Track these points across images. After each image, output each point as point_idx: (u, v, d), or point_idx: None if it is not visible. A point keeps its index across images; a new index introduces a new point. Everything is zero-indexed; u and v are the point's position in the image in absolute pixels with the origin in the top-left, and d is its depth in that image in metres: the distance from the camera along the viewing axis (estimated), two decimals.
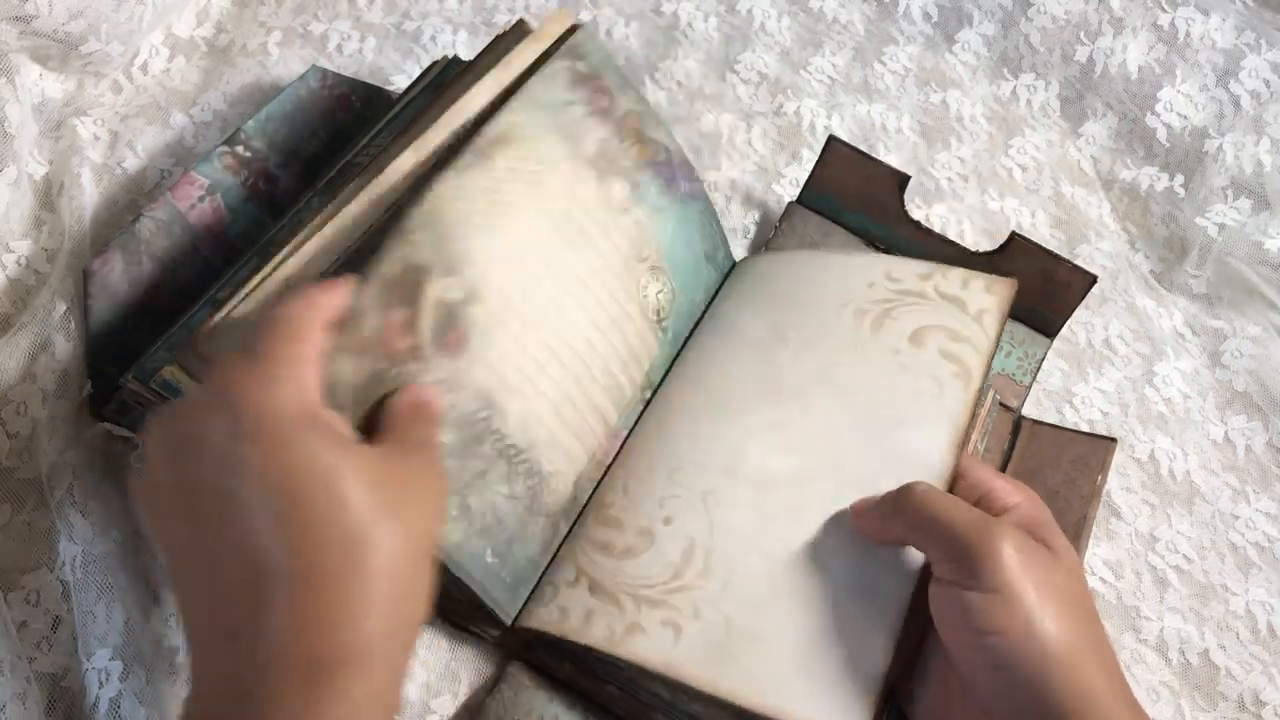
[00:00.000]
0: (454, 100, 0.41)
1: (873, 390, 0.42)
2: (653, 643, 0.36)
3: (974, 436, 0.45)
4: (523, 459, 0.39)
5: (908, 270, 0.46)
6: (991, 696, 0.32)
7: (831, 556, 0.37)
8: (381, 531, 0.27)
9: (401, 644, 0.28)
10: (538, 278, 0.40)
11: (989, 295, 0.45)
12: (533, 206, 0.40)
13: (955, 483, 0.38)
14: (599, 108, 0.44)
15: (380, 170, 0.38)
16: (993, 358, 0.43)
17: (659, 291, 0.45)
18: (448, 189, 0.37)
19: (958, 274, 0.46)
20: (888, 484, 0.37)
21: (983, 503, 0.37)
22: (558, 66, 0.43)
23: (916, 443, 0.40)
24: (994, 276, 0.46)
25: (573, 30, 0.45)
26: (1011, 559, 0.32)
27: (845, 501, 0.38)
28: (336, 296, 0.32)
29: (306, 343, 0.30)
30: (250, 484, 0.27)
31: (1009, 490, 0.37)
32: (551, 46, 0.44)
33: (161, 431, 0.29)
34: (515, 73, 0.43)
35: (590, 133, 0.43)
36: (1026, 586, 0.32)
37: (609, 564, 0.39)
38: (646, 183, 0.45)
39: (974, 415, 0.42)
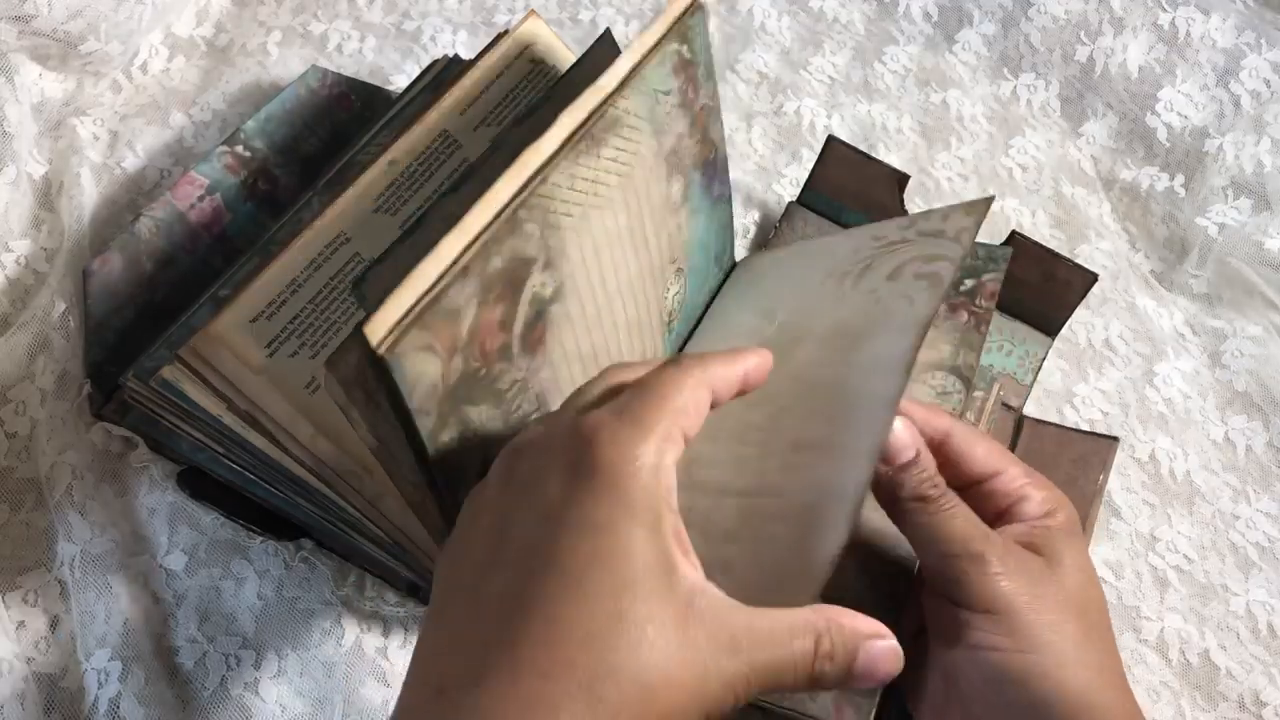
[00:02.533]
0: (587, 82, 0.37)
1: (847, 327, 0.40)
2: None
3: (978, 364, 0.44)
4: None
5: (891, 226, 0.44)
6: (985, 709, 0.32)
7: (794, 485, 0.35)
8: (645, 689, 0.23)
9: None
10: (604, 278, 0.38)
11: (966, 216, 0.42)
12: (621, 202, 0.38)
13: (986, 481, 0.36)
14: (686, 99, 0.42)
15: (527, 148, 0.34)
16: (964, 260, 0.41)
17: (676, 294, 0.45)
18: (563, 176, 0.34)
19: (939, 211, 0.43)
20: (851, 392, 0.35)
21: (1011, 510, 0.35)
22: (669, 50, 0.40)
23: (880, 348, 0.37)
24: (974, 199, 0.43)
25: (694, 8, 0.41)
26: (1002, 579, 0.31)
27: (813, 426, 0.36)
28: (741, 370, 0.29)
29: (683, 419, 0.27)
30: (569, 538, 0.24)
31: (1037, 498, 0.35)
32: (672, 25, 0.40)
33: (514, 453, 0.27)
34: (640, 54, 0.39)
35: (673, 126, 0.41)
36: (1019, 605, 0.31)
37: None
38: (695, 182, 0.44)
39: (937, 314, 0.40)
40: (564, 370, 0.37)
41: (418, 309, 0.29)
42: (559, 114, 0.35)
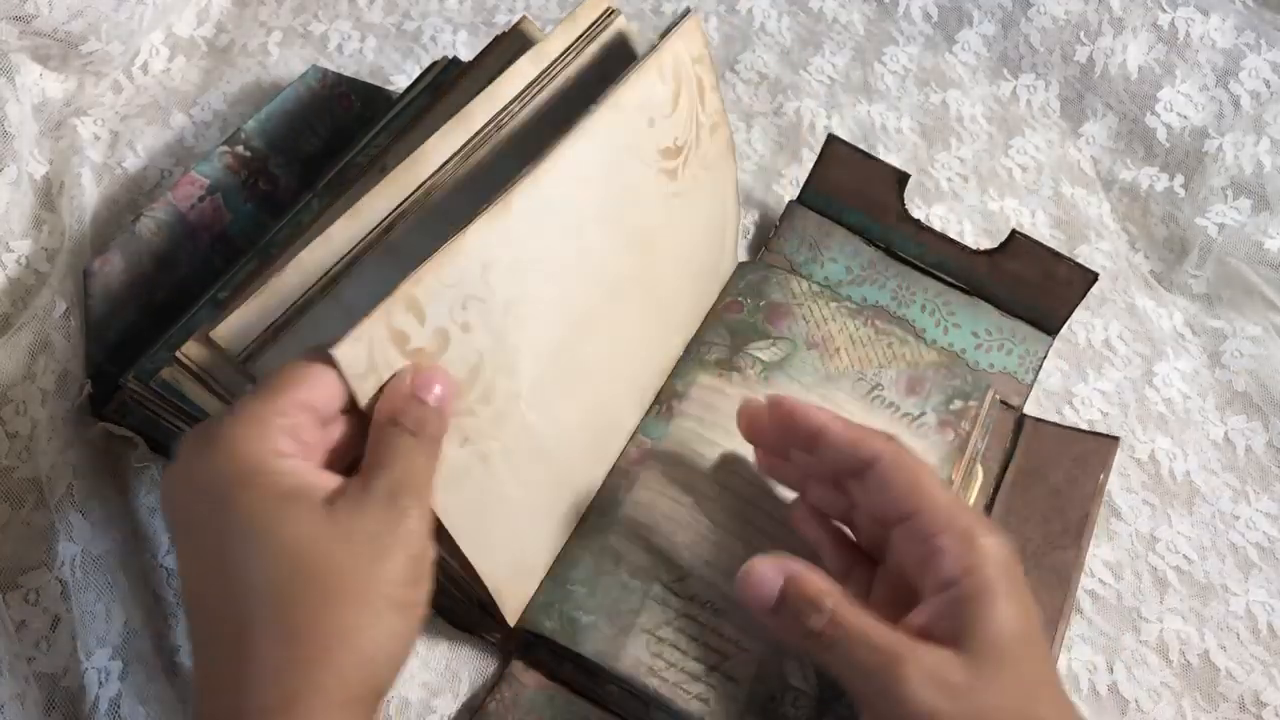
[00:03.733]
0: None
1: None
2: None
3: (974, 437, 0.45)
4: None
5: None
6: None
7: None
8: (302, 591, 0.27)
9: (334, 700, 0.27)
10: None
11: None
12: None
13: (905, 521, 0.33)
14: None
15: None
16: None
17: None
18: None
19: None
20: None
21: (925, 574, 0.33)
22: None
23: None
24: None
25: (607, 15, 0.41)
26: (924, 702, 0.30)
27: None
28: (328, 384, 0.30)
29: (286, 398, 0.29)
30: (194, 544, 0.29)
31: (950, 556, 0.32)
32: (583, 33, 0.41)
33: (165, 485, 0.30)
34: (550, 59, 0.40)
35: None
36: (944, 709, 0.30)
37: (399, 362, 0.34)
38: None
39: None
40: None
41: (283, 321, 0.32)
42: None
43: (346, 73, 0.54)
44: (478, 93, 0.38)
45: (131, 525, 0.42)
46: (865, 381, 0.46)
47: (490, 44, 0.46)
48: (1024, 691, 0.31)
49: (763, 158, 0.59)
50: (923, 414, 0.45)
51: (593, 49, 0.40)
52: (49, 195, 0.49)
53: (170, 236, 0.44)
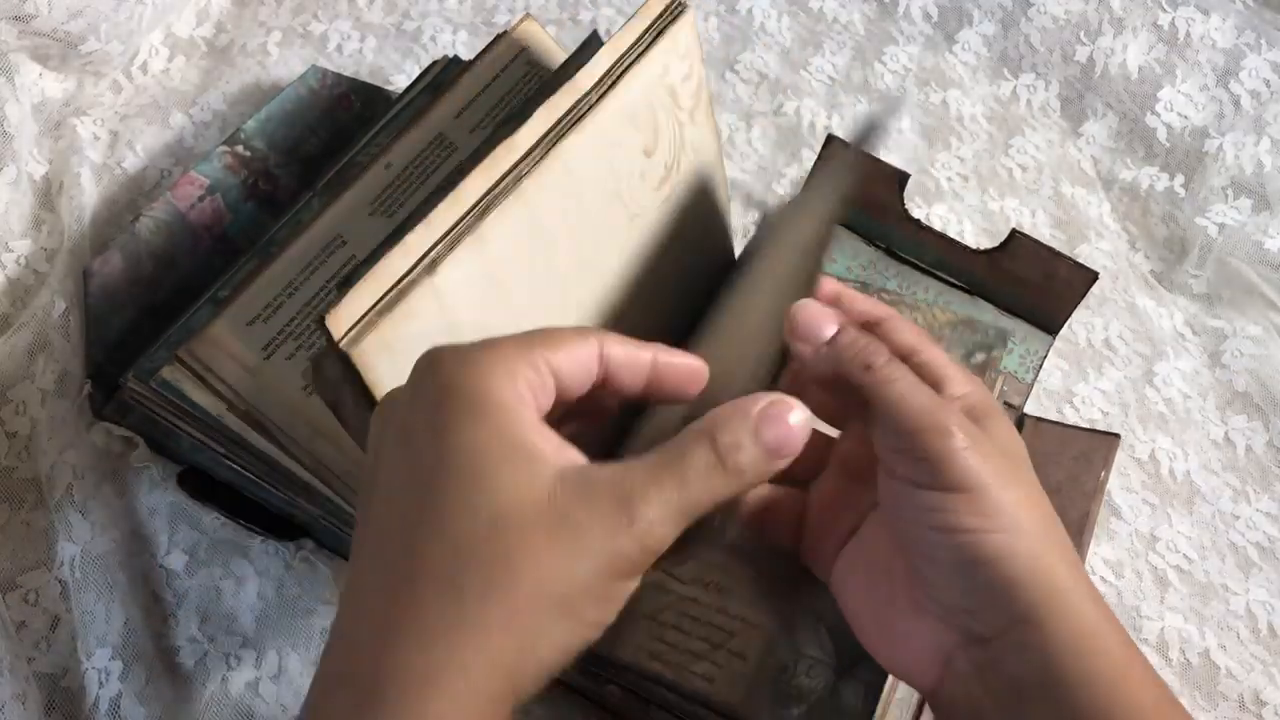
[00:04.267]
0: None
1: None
2: None
3: (999, 386, 0.45)
4: None
5: None
6: (949, 592, 0.30)
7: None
8: (490, 556, 0.24)
9: (506, 682, 0.24)
10: None
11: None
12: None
13: (911, 358, 0.33)
14: None
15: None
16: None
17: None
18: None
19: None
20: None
21: (937, 388, 0.32)
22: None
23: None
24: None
25: (676, 6, 0.40)
26: (972, 456, 0.29)
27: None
28: (648, 356, 0.28)
29: (550, 353, 0.26)
30: (409, 443, 0.25)
31: (959, 378, 0.32)
32: (651, 23, 0.40)
33: (381, 404, 0.28)
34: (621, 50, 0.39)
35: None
36: (988, 482, 0.29)
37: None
38: None
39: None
40: None
41: (383, 303, 0.30)
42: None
43: (346, 73, 0.54)
44: (480, 92, 0.38)
45: (131, 525, 0.42)
46: None
47: (491, 43, 0.46)
48: (1035, 486, 0.31)
49: (763, 158, 0.59)
50: None
51: (662, 42, 0.40)
52: (49, 195, 0.49)
53: (170, 236, 0.44)
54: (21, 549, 0.41)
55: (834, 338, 0.32)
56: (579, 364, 0.27)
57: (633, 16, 0.39)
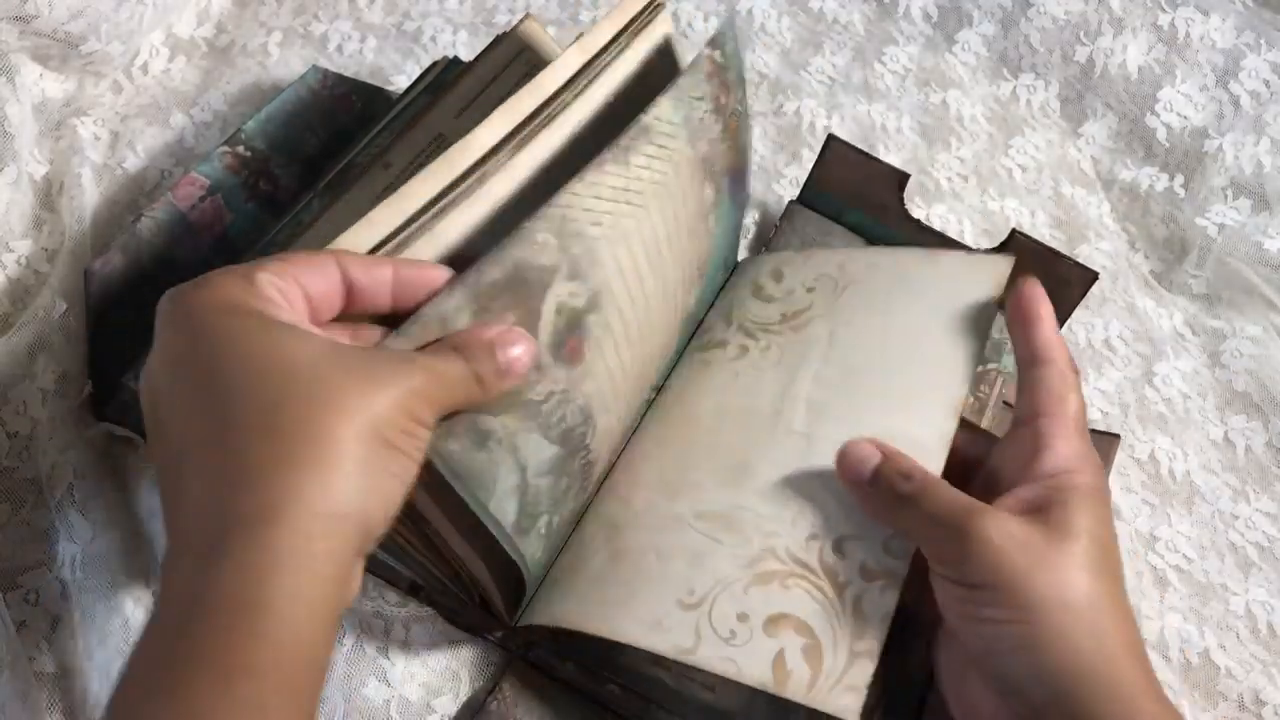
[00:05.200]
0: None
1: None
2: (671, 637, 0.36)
3: (994, 400, 0.45)
4: (591, 476, 0.38)
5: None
6: (991, 680, 0.32)
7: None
8: (292, 399, 0.25)
9: (339, 519, 0.25)
10: (644, 289, 0.38)
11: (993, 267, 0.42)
12: (657, 212, 0.38)
13: (1031, 420, 0.36)
14: (718, 104, 0.41)
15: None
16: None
17: (697, 295, 0.45)
18: (584, 185, 0.34)
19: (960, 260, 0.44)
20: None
21: (1031, 462, 0.34)
22: (702, 56, 0.40)
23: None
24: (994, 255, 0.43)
25: (653, 7, 0.41)
26: (992, 551, 0.31)
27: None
28: (388, 270, 0.30)
29: (291, 266, 0.28)
30: (175, 366, 0.27)
31: (1061, 451, 0.34)
32: (628, 23, 0.40)
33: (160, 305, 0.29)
34: (595, 49, 0.39)
35: (706, 132, 0.41)
36: (1013, 576, 0.31)
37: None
38: (724, 188, 0.43)
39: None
40: (607, 382, 0.37)
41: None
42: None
43: (347, 73, 0.54)
44: (481, 92, 0.38)
45: (131, 525, 0.42)
46: None
47: (491, 43, 0.46)
48: (1100, 583, 0.31)
49: (763, 158, 0.59)
50: None
51: (639, 42, 0.40)
52: (49, 195, 0.49)
53: (171, 237, 0.44)
54: (22, 549, 0.41)
55: (872, 477, 0.35)
56: (323, 277, 0.29)
57: (610, 14, 0.39)
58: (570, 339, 0.34)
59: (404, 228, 0.31)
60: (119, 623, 0.39)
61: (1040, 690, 0.30)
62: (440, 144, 0.43)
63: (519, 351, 0.30)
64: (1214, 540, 0.48)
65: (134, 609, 0.40)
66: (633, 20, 0.40)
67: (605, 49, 0.39)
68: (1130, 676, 0.30)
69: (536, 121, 0.36)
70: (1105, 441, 0.47)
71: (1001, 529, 0.31)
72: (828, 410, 0.39)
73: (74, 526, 0.41)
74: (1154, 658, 0.45)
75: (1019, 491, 0.34)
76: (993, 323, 0.41)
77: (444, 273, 0.31)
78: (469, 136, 0.34)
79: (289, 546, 0.24)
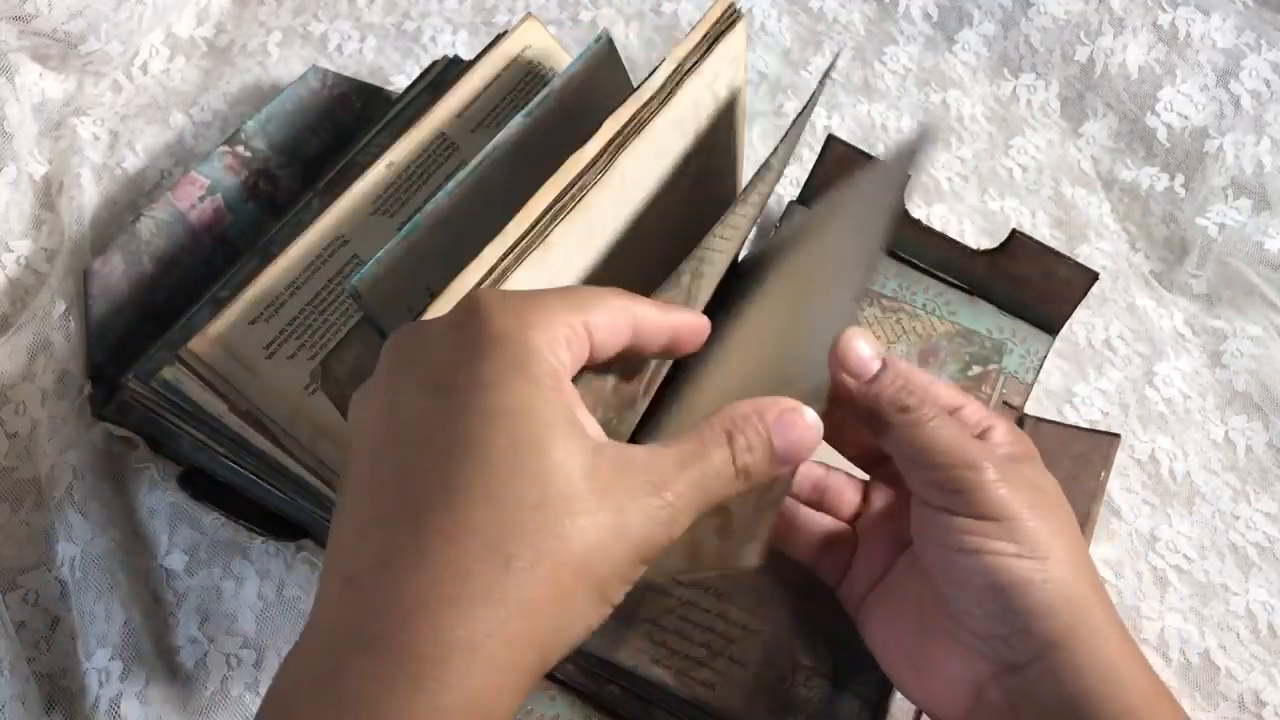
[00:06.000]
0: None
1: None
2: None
3: (994, 401, 0.45)
4: None
5: None
6: (981, 619, 0.31)
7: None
8: (559, 540, 0.23)
9: (519, 661, 0.23)
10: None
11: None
12: (737, 241, 0.40)
13: (954, 413, 0.34)
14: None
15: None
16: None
17: None
18: (721, 226, 0.35)
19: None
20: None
21: (982, 437, 0.34)
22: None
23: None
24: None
25: (731, 14, 0.40)
26: (1004, 488, 0.31)
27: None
28: (671, 322, 0.28)
29: (590, 318, 0.26)
30: (458, 399, 0.23)
31: (1002, 428, 0.34)
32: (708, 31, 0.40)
33: (399, 338, 0.26)
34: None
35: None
36: (1022, 512, 0.30)
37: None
38: None
39: None
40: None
41: None
42: (601, 122, 0.34)
43: (346, 73, 0.54)
44: (483, 92, 0.38)
45: (131, 525, 0.42)
46: None
47: (491, 42, 0.46)
48: (1073, 526, 0.32)
49: (763, 157, 0.59)
50: None
51: (718, 52, 0.39)
52: (49, 195, 0.49)
53: (170, 237, 0.44)
54: (21, 549, 0.41)
55: (877, 375, 0.33)
56: (615, 328, 0.27)
57: (695, 25, 0.39)
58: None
59: (523, 237, 0.31)
60: (119, 623, 0.39)
61: (1047, 624, 0.30)
62: (443, 143, 0.43)
63: (809, 425, 0.27)
64: (1214, 540, 0.48)
65: (133, 609, 0.40)
66: (713, 26, 0.39)
67: (689, 55, 0.38)
68: (1110, 619, 0.31)
69: (629, 128, 0.35)
70: (1104, 441, 0.47)
71: (1005, 465, 0.31)
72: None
73: (73, 526, 0.41)
74: (1154, 658, 0.45)
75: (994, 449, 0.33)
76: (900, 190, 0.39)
77: (707, 322, 0.30)
78: (582, 149, 0.33)
79: (482, 685, 0.22)
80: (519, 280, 0.31)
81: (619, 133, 0.34)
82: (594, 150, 0.33)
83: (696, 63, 0.38)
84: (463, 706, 0.22)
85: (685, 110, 0.38)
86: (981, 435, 0.34)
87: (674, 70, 0.37)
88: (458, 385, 0.23)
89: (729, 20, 0.40)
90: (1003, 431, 0.34)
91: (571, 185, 0.32)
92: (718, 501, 0.26)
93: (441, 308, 0.28)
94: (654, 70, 0.36)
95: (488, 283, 0.30)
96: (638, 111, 0.35)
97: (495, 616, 0.22)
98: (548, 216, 0.32)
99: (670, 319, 0.28)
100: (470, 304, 0.25)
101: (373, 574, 0.22)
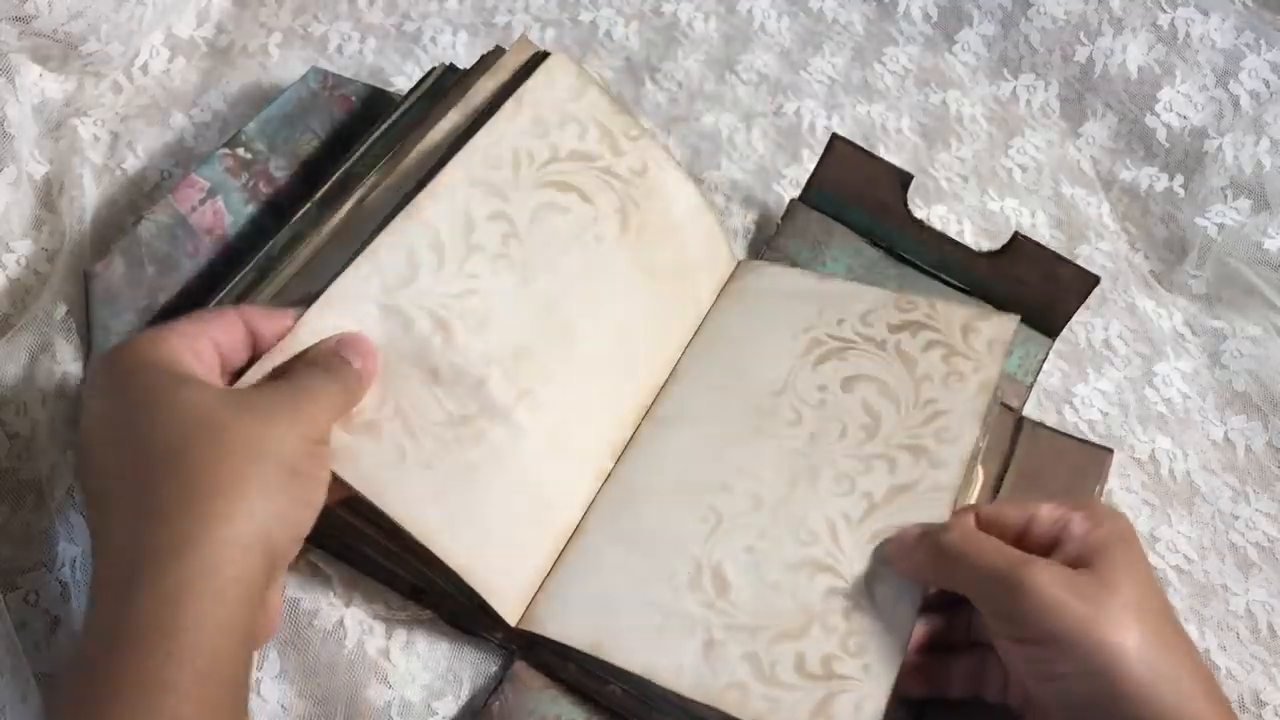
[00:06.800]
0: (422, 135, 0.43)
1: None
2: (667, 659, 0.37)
3: (974, 437, 0.45)
4: None
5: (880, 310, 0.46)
6: None
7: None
8: (197, 445, 0.29)
9: (251, 542, 0.29)
10: None
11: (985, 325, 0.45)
12: None
13: (1030, 527, 0.35)
14: None
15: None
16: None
17: None
18: None
19: (931, 306, 0.46)
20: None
21: (1059, 536, 0.34)
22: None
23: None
24: (988, 322, 0.45)
25: (537, 60, 0.45)
26: (1047, 605, 0.30)
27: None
28: (281, 324, 0.35)
29: (208, 328, 0.32)
30: (100, 419, 0.31)
31: (1078, 519, 0.34)
32: (512, 78, 0.44)
33: (102, 363, 0.33)
34: (476, 105, 0.44)
35: None
36: (1072, 630, 0.30)
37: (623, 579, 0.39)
38: None
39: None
40: None
41: None
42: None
43: (347, 74, 0.54)
44: (489, 104, 0.40)
45: None
46: None
47: (488, 54, 0.46)
48: (1157, 622, 0.31)
49: (763, 158, 0.59)
50: None
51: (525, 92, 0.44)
52: (49, 196, 0.49)
53: (171, 239, 0.44)
54: (22, 550, 0.41)
55: (914, 541, 0.36)
56: (228, 332, 0.33)
57: (489, 69, 0.44)
58: None
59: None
60: None
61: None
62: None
63: (366, 357, 0.35)
64: (1214, 540, 0.48)
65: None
66: (515, 74, 0.44)
67: (488, 103, 0.43)
68: (1206, 712, 0.30)
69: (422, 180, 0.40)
70: (1098, 456, 0.47)
71: (1055, 577, 0.31)
72: None
73: (74, 528, 0.41)
74: None
75: (1057, 554, 0.33)
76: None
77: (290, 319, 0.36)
78: (363, 205, 0.40)
79: (198, 574, 0.27)
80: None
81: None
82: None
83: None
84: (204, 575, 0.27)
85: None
86: (1058, 533, 0.33)
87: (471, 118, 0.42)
88: (117, 399, 0.31)
89: (531, 65, 0.44)
90: (1079, 522, 0.33)
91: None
92: (337, 407, 0.33)
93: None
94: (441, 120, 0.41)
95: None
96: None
97: (192, 515, 0.28)
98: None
99: (278, 321, 0.34)
100: (132, 344, 0.32)
101: (104, 544, 0.29)
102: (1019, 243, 0.50)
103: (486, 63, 0.46)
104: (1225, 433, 0.52)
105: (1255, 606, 0.47)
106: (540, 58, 0.45)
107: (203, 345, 0.32)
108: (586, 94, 0.45)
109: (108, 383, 0.31)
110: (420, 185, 0.40)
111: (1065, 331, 0.52)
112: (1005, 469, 0.47)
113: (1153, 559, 0.47)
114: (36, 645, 0.39)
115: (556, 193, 0.43)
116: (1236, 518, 0.49)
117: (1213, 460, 0.51)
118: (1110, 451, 0.47)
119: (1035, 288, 0.50)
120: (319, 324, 0.35)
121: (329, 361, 0.34)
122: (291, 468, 0.30)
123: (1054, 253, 0.50)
